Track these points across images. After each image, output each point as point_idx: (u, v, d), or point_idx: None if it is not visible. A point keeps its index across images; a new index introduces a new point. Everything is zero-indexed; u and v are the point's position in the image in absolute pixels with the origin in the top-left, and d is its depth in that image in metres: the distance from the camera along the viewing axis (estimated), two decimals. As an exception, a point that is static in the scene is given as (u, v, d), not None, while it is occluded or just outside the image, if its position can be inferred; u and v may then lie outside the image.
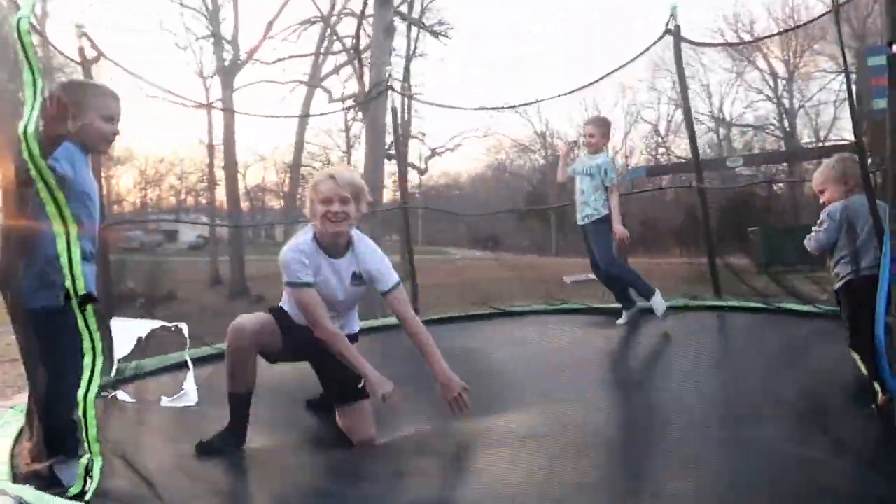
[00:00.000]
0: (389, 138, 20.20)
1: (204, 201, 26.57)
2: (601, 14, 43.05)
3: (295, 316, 2.81)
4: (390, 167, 21.73)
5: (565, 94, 6.29)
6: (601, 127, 4.73)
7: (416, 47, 19.56)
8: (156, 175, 28.54)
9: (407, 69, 19.75)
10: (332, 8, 17.35)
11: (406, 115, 20.46)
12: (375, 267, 2.81)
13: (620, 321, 4.69)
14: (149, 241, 30.00)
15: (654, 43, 5.42)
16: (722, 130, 23.31)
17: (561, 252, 27.37)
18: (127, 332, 1.91)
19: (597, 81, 6.06)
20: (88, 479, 1.97)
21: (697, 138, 6.28)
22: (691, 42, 5.30)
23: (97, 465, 1.97)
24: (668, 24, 5.29)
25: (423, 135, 20.80)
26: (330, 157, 26.56)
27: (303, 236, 2.78)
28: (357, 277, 2.80)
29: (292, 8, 31.36)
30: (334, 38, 16.75)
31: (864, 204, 2.59)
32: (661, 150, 24.28)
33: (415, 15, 17.40)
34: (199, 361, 4.32)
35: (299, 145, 18.67)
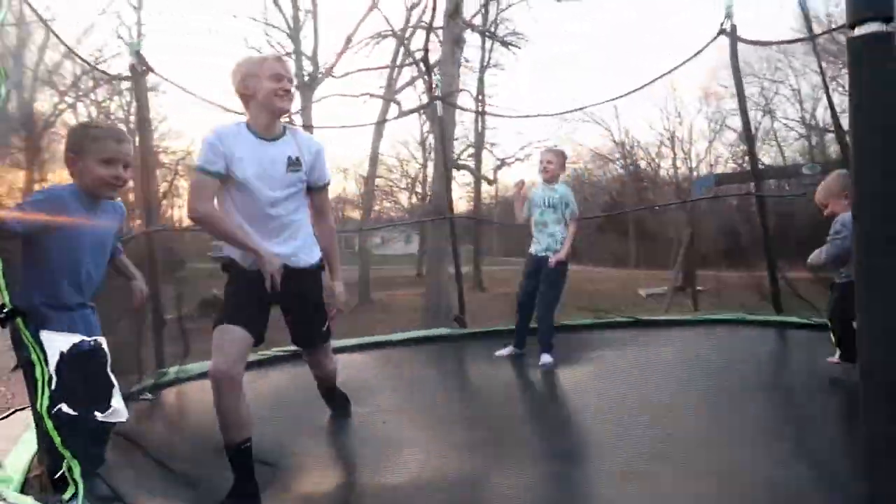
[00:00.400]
0: (460, 147, 20.39)
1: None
2: (637, 13, 41.33)
3: (252, 265, 2.60)
4: (465, 178, 21.94)
5: (634, 91, 6.05)
6: (559, 157, 4.76)
7: (489, 58, 19.59)
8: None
9: (481, 80, 19.81)
10: (407, 22, 17.62)
11: (479, 126, 20.51)
12: (316, 152, 2.72)
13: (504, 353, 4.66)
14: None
15: (708, 45, 5.16)
16: (814, 137, 21.99)
17: (641, 264, 26.59)
18: (52, 344, 1.92)
19: (663, 76, 5.82)
20: (77, 485, 2.00)
21: (787, 145, 5.93)
22: (746, 41, 5.00)
23: (76, 470, 1.99)
24: (722, 24, 5.04)
25: (493, 145, 20.72)
26: (407, 168, 26.97)
27: (233, 122, 2.68)
28: (293, 162, 2.64)
29: (365, 21, 32.25)
30: (406, 51, 16.96)
31: None
32: (747, 157, 23.07)
33: (480, 24, 17.38)
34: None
35: (374, 158, 19.01)
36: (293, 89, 2.66)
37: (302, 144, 2.69)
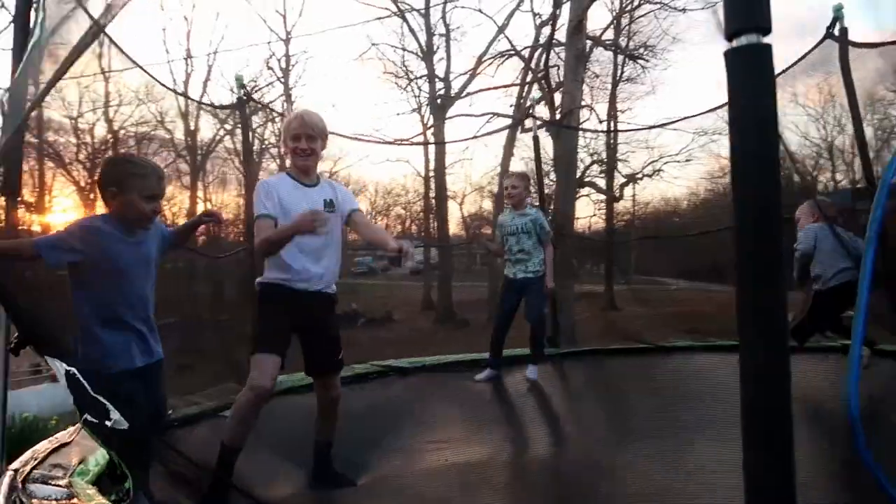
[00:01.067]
0: (585, 163, 20.02)
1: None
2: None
3: (286, 280, 2.91)
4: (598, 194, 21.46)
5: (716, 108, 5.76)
6: (522, 180, 4.73)
7: (622, 72, 19.15)
8: (384, 205, 31.28)
9: (613, 94, 19.42)
10: (536, 40, 17.70)
11: (612, 141, 20.08)
12: (343, 192, 3.14)
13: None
14: (377, 266, 32.83)
15: (813, 49, 4.80)
16: None
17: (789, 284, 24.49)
18: (58, 368, 2.17)
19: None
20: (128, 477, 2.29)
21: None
22: (856, 44, 4.59)
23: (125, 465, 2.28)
24: (830, 27, 4.66)
25: (620, 161, 20.09)
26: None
27: (279, 173, 3.05)
28: (329, 204, 3.00)
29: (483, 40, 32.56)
30: (530, 70, 17.03)
31: (825, 228, 4.04)
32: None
33: (611, 38, 17.04)
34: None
35: (503, 175, 19.17)
36: (315, 145, 2.97)
37: (332, 187, 3.10)
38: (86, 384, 2.09)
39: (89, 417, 2.07)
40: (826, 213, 4.12)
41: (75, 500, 2.21)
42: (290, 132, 2.97)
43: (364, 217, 3.22)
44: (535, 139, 6.42)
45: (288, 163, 3.12)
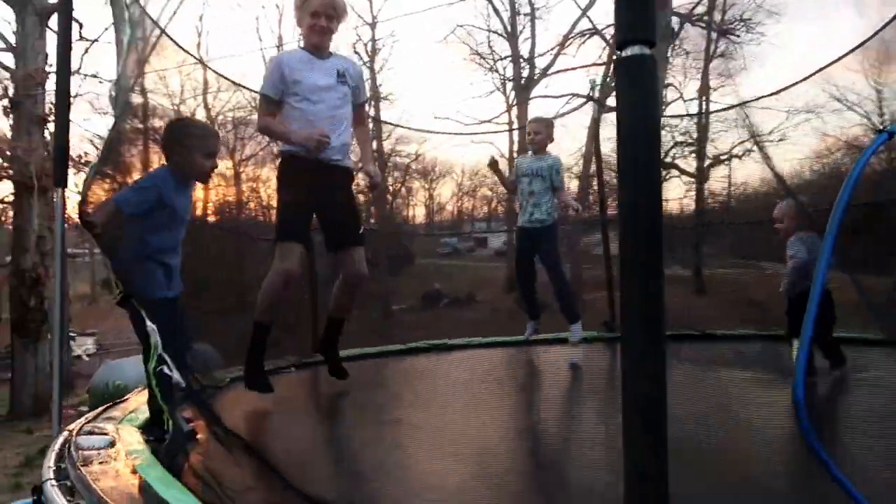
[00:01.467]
0: (667, 144, 19.23)
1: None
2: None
3: (304, 151, 3.07)
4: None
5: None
6: (546, 126, 4.68)
7: (715, 48, 18.29)
8: (471, 186, 31.45)
9: (705, 71, 18.59)
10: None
11: (702, 121, 19.26)
12: (360, 75, 3.28)
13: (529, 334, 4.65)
14: (462, 247, 33.06)
15: (886, 25, 4.49)
16: None
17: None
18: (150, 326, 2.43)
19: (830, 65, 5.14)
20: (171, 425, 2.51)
21: None
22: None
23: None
24: (903, -1, 4.36)
25: (709, 140, 19.18)
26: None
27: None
28: (341, 76, 3.13)
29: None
30: (610, 48, 16.55)
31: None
32: None
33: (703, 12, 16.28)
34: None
35: (588, 157, 18.83)
36: (333, 25, 3.10)
37: (349, 66, 3.23)
38: (160, 346, 2.39)
39: (165, 370, 2.35)
40: (809, 220, 3.56)
41: (118, 445, 2.40)
42: (310, 8, 3.06)
43: (365, 121, 3.44)
44: (596, 123, 6.33)
45: (301, 42, 3.26)
